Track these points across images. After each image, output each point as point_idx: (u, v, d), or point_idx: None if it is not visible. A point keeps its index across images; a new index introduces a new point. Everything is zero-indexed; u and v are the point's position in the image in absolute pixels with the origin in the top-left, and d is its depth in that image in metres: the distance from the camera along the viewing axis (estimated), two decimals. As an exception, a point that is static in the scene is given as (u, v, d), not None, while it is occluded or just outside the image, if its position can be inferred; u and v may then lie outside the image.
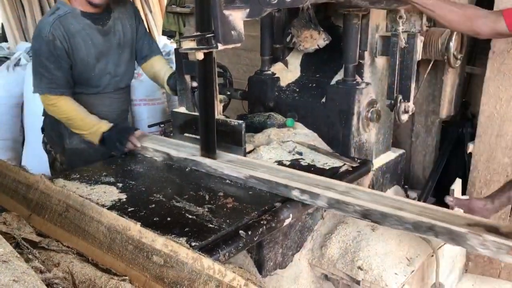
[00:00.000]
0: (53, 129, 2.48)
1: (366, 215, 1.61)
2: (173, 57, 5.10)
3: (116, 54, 2.39)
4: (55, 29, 2.18)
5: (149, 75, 2.64)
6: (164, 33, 4.63)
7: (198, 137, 2.08)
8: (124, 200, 1.74)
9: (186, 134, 2.21)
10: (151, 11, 6.27)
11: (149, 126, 3.35)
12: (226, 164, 1.93)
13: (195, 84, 2.23)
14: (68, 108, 2.26)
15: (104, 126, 2.26)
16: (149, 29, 6.28)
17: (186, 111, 2.26)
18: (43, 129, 2.61)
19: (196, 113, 2.18)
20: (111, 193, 1.80)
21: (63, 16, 2.22)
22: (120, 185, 1.87)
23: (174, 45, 4.78)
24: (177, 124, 2.27)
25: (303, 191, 1.72)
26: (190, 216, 1.61)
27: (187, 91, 2.25)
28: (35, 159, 3.31)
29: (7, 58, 4.69)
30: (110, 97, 2.47)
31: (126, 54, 2.45)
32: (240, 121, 1.99)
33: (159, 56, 2.60)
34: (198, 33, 1.73)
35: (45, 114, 2.50)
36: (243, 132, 1.98)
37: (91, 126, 2.25)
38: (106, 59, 2.35)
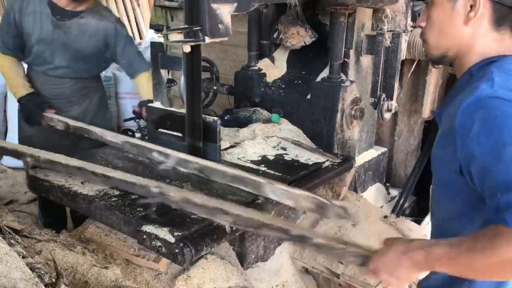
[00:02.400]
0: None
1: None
2: (160, 51, 5.12)
3: (58, 47, 2.48)
4: (15, 2, 2.43)
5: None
6: (151, 26, 4.61)
7: (173, 133, 2.07)
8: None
9: (161, 130, 2.15)
10: (139, 5, 6.25)
11: (125, 120, 3.30)
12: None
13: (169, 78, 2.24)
14: (5, 66, 2.53)
15: (22, 91, 2.49)
16: (137, 22, 6.26)
17: (161, 106, 2.19)
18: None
19: (171, 109, 2.14)
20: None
21: None
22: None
23: (162, 39, 4.77)
24: (151, 119, 2.21)
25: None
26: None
27: (162, 85, 2.20)
28: (18, 149, 3.28)
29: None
30: (49, 79, 2.58)
31: (72, 54, 2.52)
32: (216, 118, 1.97)
33: (142, 74, 2.63)
34: (186, 26, 1.74)
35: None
36: (218, 129, 1.95)
37: (15, 86, 2.52)
38: (46, 46, 2.48)
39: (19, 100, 2.51)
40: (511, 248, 0.90)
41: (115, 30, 2.57)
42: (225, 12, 1.68)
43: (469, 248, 0.96)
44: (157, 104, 2.20)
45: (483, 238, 0.95)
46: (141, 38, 6.09)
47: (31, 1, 2.43)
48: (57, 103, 2.58)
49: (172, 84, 2.31)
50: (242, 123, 2.45)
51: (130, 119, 3.23)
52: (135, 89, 4.57)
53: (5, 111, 4.43)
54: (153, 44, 2.18)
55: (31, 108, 2.48)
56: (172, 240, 1.42)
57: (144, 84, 2.62)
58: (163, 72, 2.21)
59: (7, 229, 1.25)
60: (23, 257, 1.02)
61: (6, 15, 2.48)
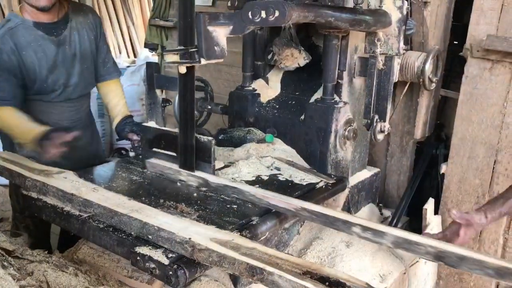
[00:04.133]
0: (6, 137, 2.42)
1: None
2: (154, 69, 5.14)
3: (69, 64, 2.35)
4: (4, 43, 2.16)
5: (102, 98, 2.61)
6: (146, 45, 4.64)
7: (167, 152, 2.08)
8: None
9: (155, 149, 2.15)
10: (133, 24, 6.29)
11: (118, 140, 3.30)
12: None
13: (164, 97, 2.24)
14: (9, 119, 2.21)
15: (37, 129, 2.13)
16: (131, 41, 6.29)
17: (156, 126, 2.20)
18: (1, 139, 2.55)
19: (165, 129, 2.15)
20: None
21: (14, 28, 2.19)
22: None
23: (156, 58, 4.79)
24: (146, 139, 2.20)
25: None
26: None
27: (157, 105, 2.22)
28: None
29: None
30: (62, 106, 2.41)
31: (81, 64, 2.40)
32: (210, 138, 1.98)
33: (116, 80, 2.57)
34: (182, 47, 1.76)
35: None
36: (212, 149, 1.95)
37: (25, 132, 2.16)
38: (59, 70, 2.31)
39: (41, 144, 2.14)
40: None
41: (96, 19, 2.48)
42: (221, 34, 1.70)
43: None
44: (151, 124, 2.22)
45: None
46: (135, 57, 6.12)
47: (19, 34, 2.20)
48: (77, 130, 2.30)
49: (167, 104, 2.33)
50: (236, 143, 2.46)
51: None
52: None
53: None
54: (149, 64, 2.20)
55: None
56: (166, 262, 1.42)
57: (119, 96, 2.56)
58: (158, 92, 2.22)
59: (0, 251, 1.24)
60: (17, 280, 1.01)
61: None
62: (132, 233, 1.55)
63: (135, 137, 2.42)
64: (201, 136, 2.00)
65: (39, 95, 2.32)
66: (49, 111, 2.37)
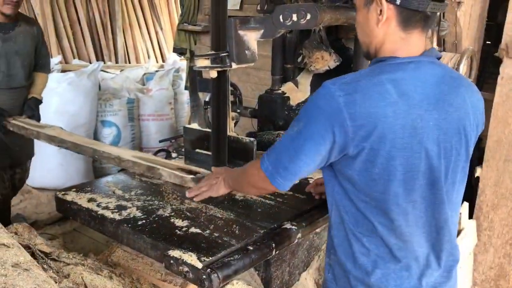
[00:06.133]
0: None
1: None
2: (182, 74, 5.19)
3: (11, 57, 2.80)
4: None
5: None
6: (175, 50, 4.68)
7: (209, 153, 2.11)
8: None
9: (198, 150, 2.23)
10: (161, 28, 6.36)
11: (160, 141, 3.39)
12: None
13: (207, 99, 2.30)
14: None
15: None
16: (159, 46, 6.37)
17: (198, 127, 2.29)
18: None
19: (208, 130, 2.20)
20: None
21: None
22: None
23: (184, 62, 4.84)
24: (188, 140, 2.29)
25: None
26: (199, 231, 1.62)
27: (200, 108, 2.29)
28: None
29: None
30: (5, 94, 2.81)
31: (22, 61, 2.87)
32: (252, 139, 2.01)
33: (44, 74, 3.09)
34: (213, 52, 1.77)
35: None
36: (254, 150, 2.00)
37: None
38: (2, 60, 2.75)
39: None
40: (251, 171, 1.42)
41: (39, 30, 3.02)
42: (252, 38, 1.71)
43: (242, 170, 1.53)
44: (194, 126, 2.30)
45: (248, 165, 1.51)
46: (163, 61, 6.18)
47: None
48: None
49: (209, 106, 2.37)
50: (266, 146, 2.45)
51: (165, 140, 3.31)
52: (156, 109, 4.64)
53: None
54: (192, 69, 2.25)
55: None
56: (200, 265, 1.42)
57: (40, 82, 3.05)
58: (201, 95, 2.28)
59: (39, 253, 1.27)
60: (58, 283, 1.03)
61: None
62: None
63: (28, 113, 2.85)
64: (244, 137, 2.03)
65: None
66: None
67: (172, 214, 1.76)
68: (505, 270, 2.50)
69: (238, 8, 3.89)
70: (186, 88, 4.65)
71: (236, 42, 1.68)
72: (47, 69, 3.18)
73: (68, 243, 3.18)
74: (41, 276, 0.95)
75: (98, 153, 2.16)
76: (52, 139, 2.39)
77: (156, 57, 6.32)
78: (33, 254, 1.22)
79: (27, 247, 1.29)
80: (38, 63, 3.07)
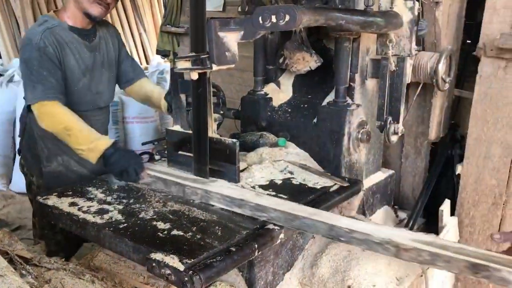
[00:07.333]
0: (29, 150, 2.40)
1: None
2: (166, 76, 5.18)
3: (99, 72, 2.38)
4: (46, 37, 2.13)
5: (138, 96, 2.63)
6: (158, 52, 4.67)
7: (191, 155, 2.10)
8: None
9: (180, 152, 2.23)
10: (145, 30, 6.34)
11: (143, 143, 3.38)
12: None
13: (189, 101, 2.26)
14: (65, 116, 2.10)
15: (105, 142, 2.07)
16: (143, 47, 6.35)
17: (181, 130, 2.28)
18: (19, 151, 2.52)
19: (190, 132, 2.20)
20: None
21: (52, 28, 2.20)
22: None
23: (168, 64, 4.83)
24: (171, 142, 2.28)
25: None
26: (181, 233, 1.62)
27: (182, 109, 2.28)
28: (27, 175, 3.30)
29: (1, 75, 4.71)
30: (92, 116, 2.38)
31: (108, 73, 2.44)
32: (234, 140, 2.01)
33: (146, 78, 2.64)
34: (193, 54, 1.77)
35: (21, 134, 2.46)
36: (237, 151, 1.99)
37: (91, 140, 2.06)
38: (90, 75, 2.32)
39: (107, 155, 2.05)
40: None
41: (116, 30, 2.55)
42: (232, 40, 1.71)
43: None
44: (176, 128, 2.28)
45: None
46: (147, 63, 6.16)
47: (59, 33, 2.20)
48: None
49: (191, 108, 2.35)
50: (249, 147, 2.46)
51: (148, 142, 3.30)
52: (140, 111, 4.62)
53: (13, 137, 4.48)
54: (173, 71, 2.24)
55: (136, 168, 2.05)
56: (182, 268, 1.42)
57: (153, 85, 2.65)
58: (183, 97, 2.27)
59: (18, 259, 1.26)
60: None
61: (41, 59, 2.11)
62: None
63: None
64: (226, 138, 2.03)
65: (69, 103, 2.23)
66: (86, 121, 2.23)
67: (154, 217, 1.77)
68: (487, 266, 2.53)
69: (221, 9, 3.90)
70: (170, 90, 4.63)
71: (216, 43, 1.68)
72: (143, 73, 2.65)
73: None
74: (16, 282, 0.95)
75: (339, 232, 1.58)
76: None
77: (140, 59, 6.30)
78: (11, 260, 1.21)
79: (5, 253, 1.28)
80: (136, 69, 2.59)
